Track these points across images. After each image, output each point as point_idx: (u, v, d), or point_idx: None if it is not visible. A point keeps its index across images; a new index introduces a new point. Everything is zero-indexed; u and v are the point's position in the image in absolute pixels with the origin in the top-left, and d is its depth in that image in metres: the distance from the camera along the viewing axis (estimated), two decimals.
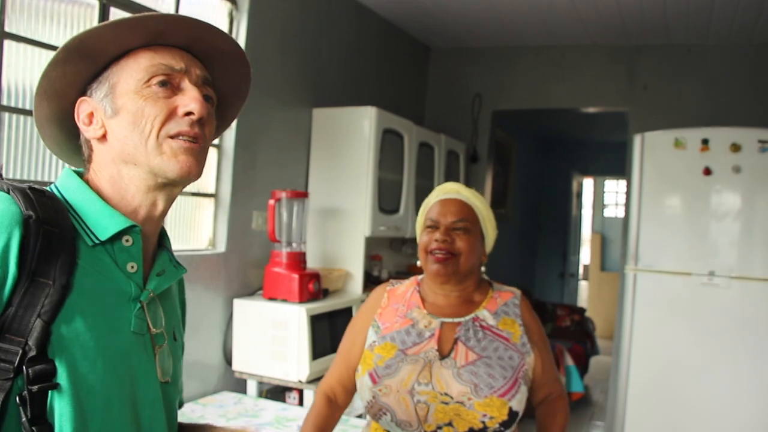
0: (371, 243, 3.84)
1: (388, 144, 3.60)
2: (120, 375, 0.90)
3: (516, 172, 7.08)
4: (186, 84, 0.95)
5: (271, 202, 3.00)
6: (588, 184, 10.10)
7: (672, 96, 4.36)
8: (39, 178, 2.33)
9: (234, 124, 3.05)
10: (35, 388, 0.81)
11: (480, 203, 1.74)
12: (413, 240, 4.41)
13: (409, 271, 4.64)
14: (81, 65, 0.93)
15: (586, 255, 10.02)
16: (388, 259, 4.37)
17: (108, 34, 0.91)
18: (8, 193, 0.85)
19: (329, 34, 3.75)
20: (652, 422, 3.56)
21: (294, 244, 3.07)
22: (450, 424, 1.56)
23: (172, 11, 2.77)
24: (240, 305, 2.98)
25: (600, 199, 10.55)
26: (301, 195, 3.13)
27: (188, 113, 0.93)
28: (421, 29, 4.61)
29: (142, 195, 0.96)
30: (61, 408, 0.84)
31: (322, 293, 3.08)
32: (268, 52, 3.21)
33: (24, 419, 0.81)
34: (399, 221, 3.75)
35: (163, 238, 1.05)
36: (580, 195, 9.43)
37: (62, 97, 0.96)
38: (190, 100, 0.93)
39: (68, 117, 0.98)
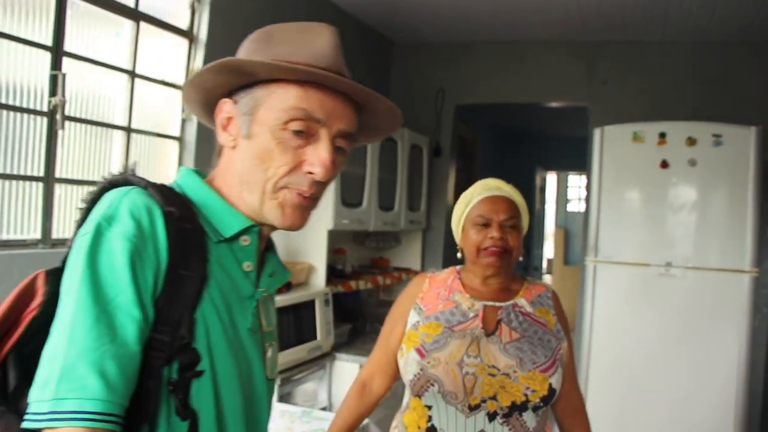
0: (334, 236, 3.83)
1: None
2: (240, 368, 0.95)
3: (480, 166, 7.14)
4: (322, 136, 0.94)
5: None
6: (551, 179, 10.23)
7: (631, 91, 4.43)
8: (19, 172, 2.28)
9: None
10: (186, 374, 0.86)
11: (520, 198, 1.82)
12: (376, 233, 4.42)
13: (373, 264, 4.65)
14: (232, 78, 0.96)
15: (549, 249, 10.15)
16: (352, 253, 4.38)
17: (263, 68, 0.93)
18: (146, 189, 0.89)
19: None
20: (611, 410, 3.63)
21: None
22: (494, 397, 1.63)
23: (132, 1, 2.72)
24: None
25: (563, 193, 10.69)
26: None
27: (311, 172, 0.94)
28: (385, 24, 4.61)
29: (249, 215, 0.98)
30: (203, 393, 0.88)
31: (286, 286, 3.08)
32: (229, 44, 3.16)
33: (176, 404, 0.85)
34: (362, 214, 3.75)
35: (270, 241, 1.08)
36: (543, 189, 9.54)
37: (210, 92, 1.00)
38: (317, 161, 0.93)
39: (213, 104, 1.02)
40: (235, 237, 0.96)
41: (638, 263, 3.64)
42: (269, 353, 1.04)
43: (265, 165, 0.93)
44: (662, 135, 3.58)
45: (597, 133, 3.75)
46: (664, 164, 3.58)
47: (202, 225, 0.93)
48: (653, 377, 3.61)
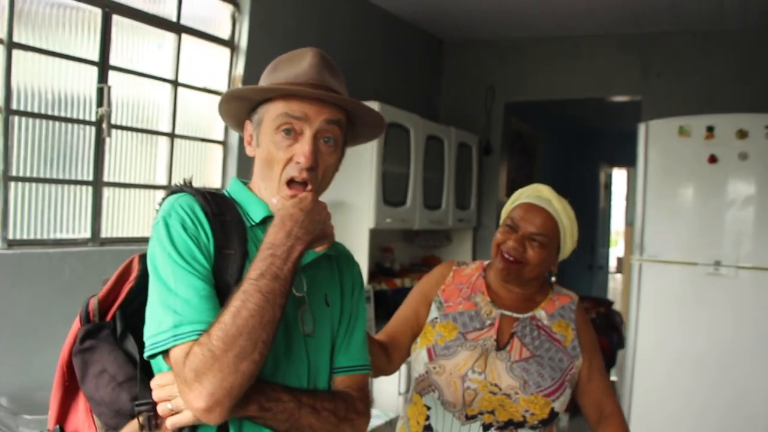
0: (382, 235, 3.90)
1: (394, 137, 3.66)
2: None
3: (541, 164, 7.06)
4: (306, 131, 1.18)
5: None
6: (620, 175, 9.96)
7: (685, 83, 4.30)
8: (70, 177, 2.47)
9: None
10: None
11: (567, 219, 1.72)
12: (426, 232, 4.48)
13: (423, 263, 4.70)
14: (240, 104, 1.26)
15: (620, 247, 9.88)
16: (401, 251, 4.44)
17: (251, 92, 1.23)
18: (193, 195, 1.18)
19: (333, 32, 3.82)
20: (658, 416, 3.55)
21: None
22: (492, 412, 1.64)
23: (174, 15, 2.88)
24: None
25: (632, 190, 10.37)
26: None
27: (298, 162, 1.18)
28: (434, 23, 4.66)
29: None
30: None
31: None
32: (271, 50, 3.27)
33: None
34: (406, 213, 3.81)
35: None
36: (608, 186, 9.31)
37: (237, 117, 1.30)
38: (301, 152, 1.17)
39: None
40: (266, 221, 1.20)
41: (685, 262, 3.53)
42: (301, 313, 1.24)
43: (270, 166, 1.19)
44: (710, 129, 3.47)
45: (642, 127, 3.67)
46: (713, 159, 3.47)
47: (241, 215, 1.21)
48: (703, 381, 3.49)
